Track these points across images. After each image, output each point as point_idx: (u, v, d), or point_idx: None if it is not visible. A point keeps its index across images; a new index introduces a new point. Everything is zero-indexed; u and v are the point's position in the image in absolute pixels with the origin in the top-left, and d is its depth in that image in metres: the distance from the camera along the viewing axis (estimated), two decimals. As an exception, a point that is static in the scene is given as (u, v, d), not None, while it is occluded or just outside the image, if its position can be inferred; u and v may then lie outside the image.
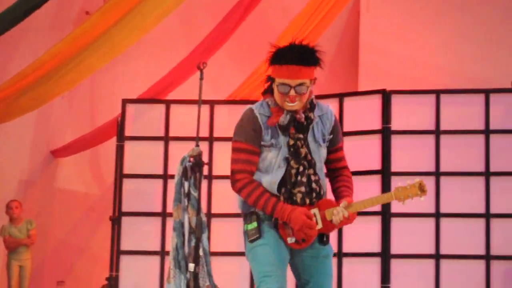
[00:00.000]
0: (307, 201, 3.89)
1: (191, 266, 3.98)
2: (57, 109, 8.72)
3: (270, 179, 3.89)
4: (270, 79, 3.95)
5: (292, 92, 3.85)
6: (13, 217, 8.41)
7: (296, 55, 3.87)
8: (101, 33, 6.82)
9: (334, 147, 4.05)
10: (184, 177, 4.07)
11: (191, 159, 4.02)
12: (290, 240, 3.82)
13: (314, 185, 3.91)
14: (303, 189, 3.89)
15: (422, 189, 3.78)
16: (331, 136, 3.99)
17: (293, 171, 3.90)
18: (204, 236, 3.97)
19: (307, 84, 3.87)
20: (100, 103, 9.20)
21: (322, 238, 3.93)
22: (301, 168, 3.90)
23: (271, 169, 3.91)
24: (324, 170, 4.04)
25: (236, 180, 3.88)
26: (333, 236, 6.87)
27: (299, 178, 3.89)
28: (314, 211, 3.88)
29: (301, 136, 3.92)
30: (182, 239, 4.05)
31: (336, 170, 4.09)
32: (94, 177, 9.19)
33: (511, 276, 6.60)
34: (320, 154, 3.97)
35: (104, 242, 8.63)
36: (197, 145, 3.98)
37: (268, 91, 3.98)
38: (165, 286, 4.10)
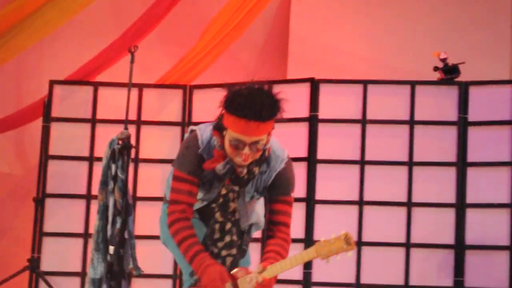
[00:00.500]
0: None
1: (111, 248, 3.95)
2: (-19, 88, 8.57)
3: None
4: (221, 123, 3.50)
5: (246, 150, 3.39)
6: None
7: (256, 111, 3.38)
8: (30, 12, 6.74)
9: (274, 197, 3.68)
10: (112, 159, 4.06)
11: (120, 141, 3.99)
12: None
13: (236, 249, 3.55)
14: (234, 251, 3.55)
15: (348, 242, 3.38)
16: (269, 187, 3.60)
17: (217, 226, 3.49)
18: (130, 219, 3.96)
19: (263, 141, 3.45)
20: (26, 84, 9.05)
21: None
22: (228, 225, 3.52)
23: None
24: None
25: (171, 212, 3.47)
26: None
27: (227, 237, 3.52)
28: (228, 285, 3.45)
29: (236, 188, 3.51)
30: (104, 222, 4.05)
31: (271, 224, 3.72)
32: (18, 158, 9.05)
33: (433, 264, 6.76)
34: (246, 211, 3.59)
35: (27, 224, 8.50)
36: (126, 128, 3.94)
37: (218, 129, 3.52)
38: (88, 269, 4.08)
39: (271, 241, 3.66)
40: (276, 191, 3.63)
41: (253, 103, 3.38)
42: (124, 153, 3.98)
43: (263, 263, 3.50)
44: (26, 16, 6.85)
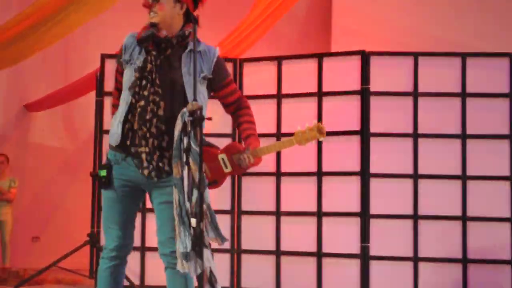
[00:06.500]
0: None
1: (193, 221, 3.95)
2: (30, 63, 8.61)
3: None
4: None
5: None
6: None
7: None
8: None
9: (221, 84, 4.15)
10: (184, 132, 4.00)
11: (191, 113, 3.97)
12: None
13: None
14: (151, 105, 3.99)
15: (320, 132, 3.93)
16: (212, 75, 4.07)
17: (137, 82, 4.02)
18: (206, 192, 3.96)
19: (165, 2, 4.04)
20: (73, 58, 9.12)
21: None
22: (143, 82, 4.02)
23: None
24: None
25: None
26: (312, 195, 6.94)
27: (144, 91, 3.99)
28: (222, 156, 4.08)
29: (154, 52, 4.02)
30: (183, 196, 4.00)
31: (231, 105, 4.19)
32: (68, 132, 9.12)
33: (490, 237, 6.73)
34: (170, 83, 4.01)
35: (79, 198, 8.60)
36: (194, 100, 3.92)
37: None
38: (176, 243, 4.05)
39: (240, 113, 4.21)
40: (220, 78, 4.14)
41: None
42: (196, 124, 3.93)
43: (252, 143, 4.08)
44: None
